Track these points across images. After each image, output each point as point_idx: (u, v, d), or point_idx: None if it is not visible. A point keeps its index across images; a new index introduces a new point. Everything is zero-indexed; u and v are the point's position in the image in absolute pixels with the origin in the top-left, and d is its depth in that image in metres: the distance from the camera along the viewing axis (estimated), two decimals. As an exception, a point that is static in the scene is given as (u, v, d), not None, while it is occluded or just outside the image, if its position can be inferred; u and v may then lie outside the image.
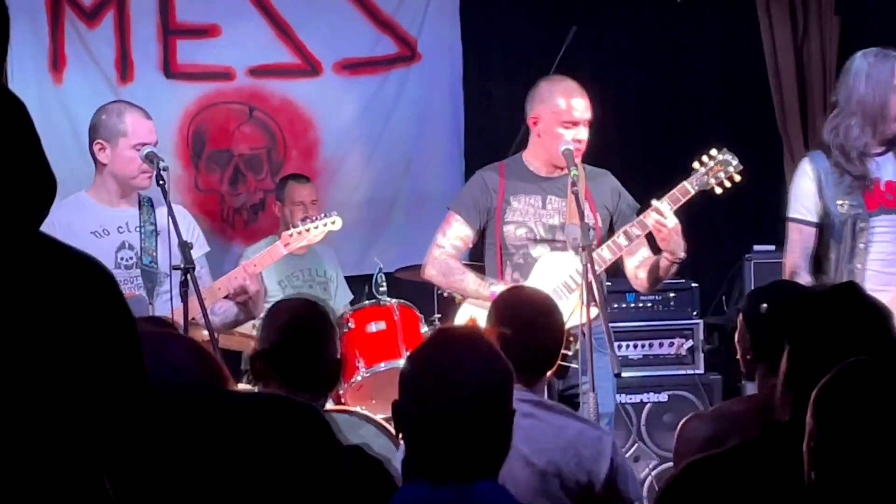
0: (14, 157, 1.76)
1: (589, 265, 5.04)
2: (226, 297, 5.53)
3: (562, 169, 5.60)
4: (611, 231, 5.72)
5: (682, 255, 5.53)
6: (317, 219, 5.98)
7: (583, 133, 5.62)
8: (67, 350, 1.72)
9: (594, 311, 5.04)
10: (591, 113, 5.67)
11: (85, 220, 5.38)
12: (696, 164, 5.63)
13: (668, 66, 8.46)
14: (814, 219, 5.40)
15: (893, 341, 3.02)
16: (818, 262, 5.43)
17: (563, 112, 5.62)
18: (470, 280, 5.70)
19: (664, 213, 5.45)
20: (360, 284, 7.44)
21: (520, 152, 5.89)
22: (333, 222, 5.99)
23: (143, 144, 5.39)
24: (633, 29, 8.40)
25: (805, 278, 5.35)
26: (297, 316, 4.06)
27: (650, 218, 5.49)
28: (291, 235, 5.86)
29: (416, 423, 2.89)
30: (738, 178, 5.65)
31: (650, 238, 5.65)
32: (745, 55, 8.25)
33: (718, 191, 5.66)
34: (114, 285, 1.82)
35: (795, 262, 5.42)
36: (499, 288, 5.51)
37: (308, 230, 5.90)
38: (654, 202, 5.50)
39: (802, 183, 5.42)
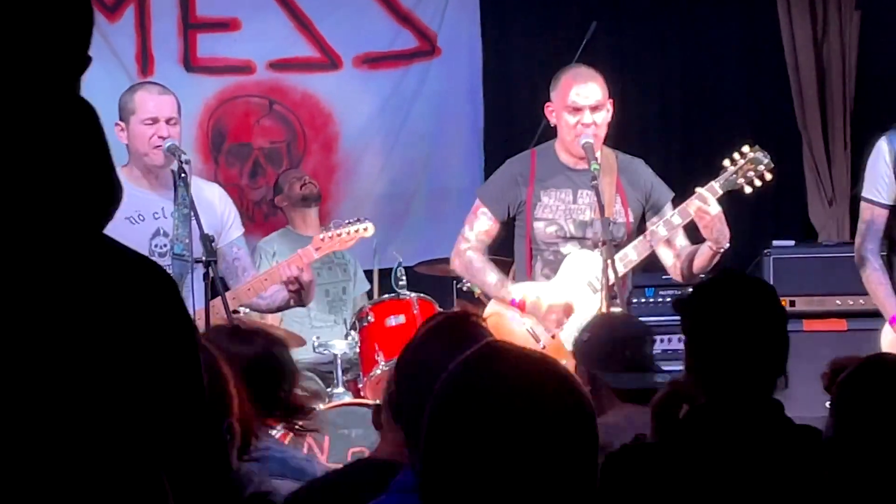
0: (85, 163, 1.78)
1: (610, 261, 5.04)
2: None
3: (582, 158, 5.54)
4: (643, 222, 5.66)
5: (727, 243, 5.45)
6: (349, 224, 5.94)
7: (588, 117, 5.51)
8: (127, 354, 1.74)
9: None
10: (602, 95, 5.56)
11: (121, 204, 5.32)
12: (726, 162, 5.55)
13: (689, 61, 8.45)
14: (886, 200, 5.36)
15: (780, 317, 3.06)
16: (892, 243, 5.42)
17: (566, 99, 5.56)
18: (491, 279, 5.69)
19: (707, 201, 5.37)
20: (379, 278, 7.45)
21: (553, 140, 5.80)
22: (366, 229, 5.96)
23: (153, 119, 5.34)
24: (654, 24, 8.39)
25: (872, 263, 5.35)
26: None
27: (693, 205, 5.40)
28: (323, 240, 5.83)
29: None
30: (769, 176, 5.57)
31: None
32: (765, 50, 8.24)
33: (748, 190, 5.58)
34: (174, 290, 1.84)
35: (864, 244, 5.40)
36: (518, 295, 5.51)
37: (340, 235, 5.86)
38: (698, 189, 5.44)
39: (876, 163, 5.38)
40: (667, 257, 5.65)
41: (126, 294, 1.77)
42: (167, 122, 5.37)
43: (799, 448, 2.92)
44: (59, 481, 1.69)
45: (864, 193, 5.41)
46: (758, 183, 5.57)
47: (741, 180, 5.52)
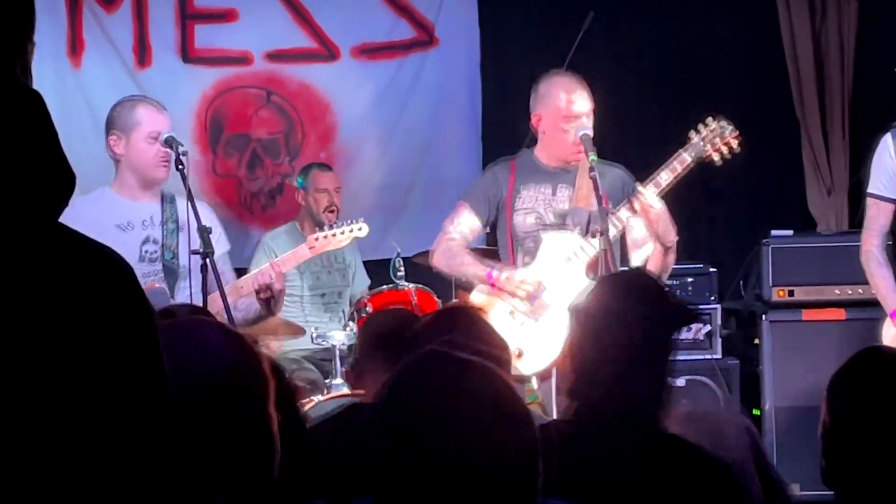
0: (30, 152, 1.77)
1: (607, 250, 5.05)
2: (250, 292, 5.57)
3: (570, 163, 5.59)
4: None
5: (673, 238, 5.49)
6: (343, 224, 5.98)
7: (585, 123, 5.58)
8: (82, 343, 1.72)
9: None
10: (592, 102, 5.64)
11: (110, 213, 5.44)
12: (691, 134, 5.66)
13: (686, 51, 8.44)
14: (892, 195, 5.37)
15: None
16: None
17: (562, 108, 5.59)
18: (470, 263, 5.71)
19: (646, 196, 5.42)
20: (377, 269, 7.45)
21: (531, 148, 5.86)
22: (360, 229, 5.99)
23: (158, 134, 5.43)
24: (651, 14, 8.38)
25: (877, 258, 5.36)
26: None
27: (636, 202, 5.46)
28: (317, 239, 5.87)
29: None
30: (734, 144, 5.66)
31: None
32: (763, 40, 8.23)
33: (716, 159, 5.66)
34: (132, 279, 1.81)
35: (870, 239, 5.42)
36: (495, 270, 5.54)
37: (335, 235, 5.90)
38: (638, 186, 5.50)
39: (882, 158, 5.40)
40: (633, 261, 5.67)
41: (80, 280, 1.75)
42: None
43: None
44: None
45: (870, 189, 5.43)
46: (725, 152, 5.65)
47: (708, 147, 5.60)
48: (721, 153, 5.63)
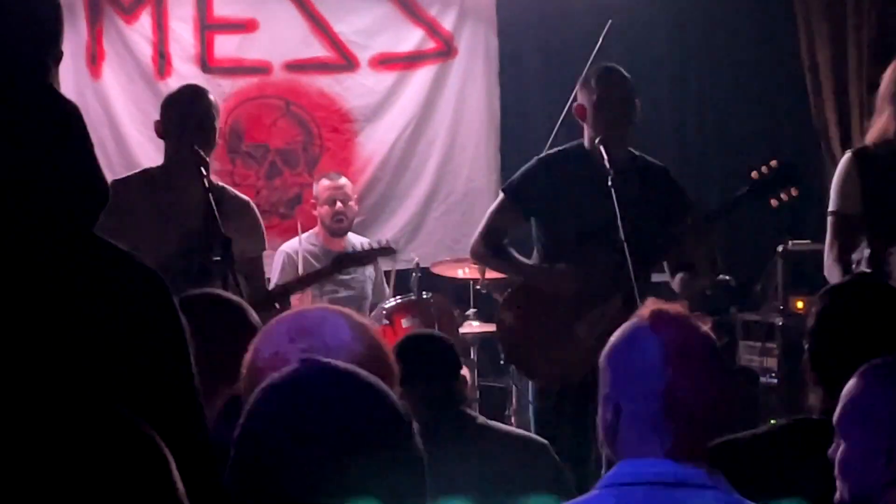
0: (69, 163, 1.79)
1: (629, 260, 5.04)
2: None
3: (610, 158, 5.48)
4: (663, 225, 5.59)
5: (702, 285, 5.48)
6: (371, 248, 6.03)
7: (621, 115, 5.46)
8: (114, 349, 1.74)
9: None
10: (631, 94, 5.55)
11: (150, 200, 5.30)
12: (753, 174, 5.50)
13: (703, 59, 8.45)
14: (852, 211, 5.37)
15: None
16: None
17: (601, 94, 5.51)
18: (510, 258, 5.65)
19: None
20: (396, 279, 7.46)
21: (580, 140, 5.64)
22: (387, 250, 6.03)
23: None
24: (668, 25, 8.39)
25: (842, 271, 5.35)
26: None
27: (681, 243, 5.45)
28: (342, 262, 5.91)
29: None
30: (794, 191, 5.53)
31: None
32: (781, 50, 8.24)
33: (773, 204, 5.54)
34: (164, 289, 1.83)
35: (834, 254, 5.40)
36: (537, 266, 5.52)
37: (360, 258, 5.96)
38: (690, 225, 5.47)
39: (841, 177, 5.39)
40: (668, 270, 5.66)
41: (114, 290, 1.77)
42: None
43: None
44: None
45: (831, 207, 5.44)
46: (784, 199, 5.52)
47: (768, 195, 5.48)
48: (780, 200, 5.53)
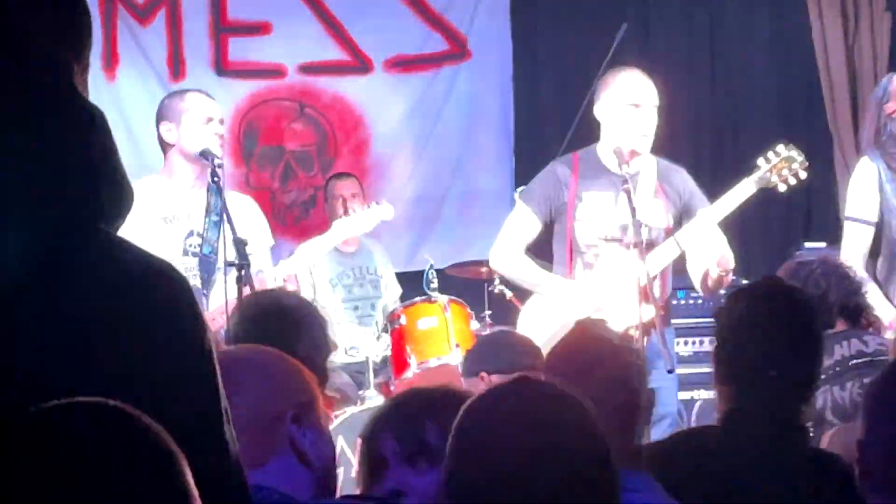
0: (93, 166, 1.79)
1: (642, 262, 5.03)
2: None
3: (628, 160, 5.44)
4: (679, 227, 5.59)
5: (732, 265, 5.44)
6: (367, 207, 5.96)
7: (647, 117, 5.48)
8: (137, 355, 1.74)
9: (651, 310, 5.02)
10: (657, 99, 5.54)
11: (156, 204, 5.36)
12: (760, 161, 5.52)
13: (718, 63, 8.44)
14: (872, 218, 5.37)
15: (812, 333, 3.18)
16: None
17: (625, 95, 5.47)
18: (531, 269, 5.65)
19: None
20: (410, 281, 7.46)
21: (595, 143, 5.70)
22: (384, 210, 5.93)
23: (209, 119, 5.42)
24: (683, 26, 8.39)
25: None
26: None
27: (696, 228, 5.43)
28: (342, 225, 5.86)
29: None
30: (803, 174, 5.53)
31: None
32: (796, 52, 8.23)
33: (782, 188, 5.53)
34: (189, 294, 1.84)
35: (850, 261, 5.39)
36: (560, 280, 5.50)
37: (359, 218, 5.88)
38: (700, 212, 5.45)
39: (859, 181, 5.39)
40: (690, 269, 5.64)
41: (137, 295, 1.77)
42: (220, 122, 5.48)
43: (818, 476, 2.99)
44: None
45: (848, 213, 5.44)
46: (792, 181, 5.53)
47: (775, 178, 5.48)
48: (788, 183, 5.52)
